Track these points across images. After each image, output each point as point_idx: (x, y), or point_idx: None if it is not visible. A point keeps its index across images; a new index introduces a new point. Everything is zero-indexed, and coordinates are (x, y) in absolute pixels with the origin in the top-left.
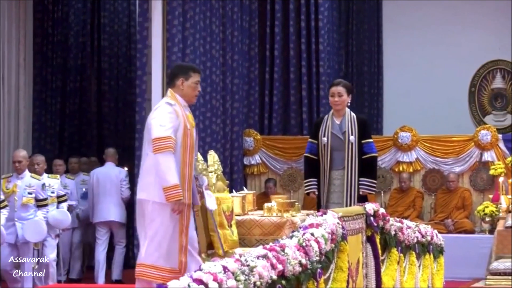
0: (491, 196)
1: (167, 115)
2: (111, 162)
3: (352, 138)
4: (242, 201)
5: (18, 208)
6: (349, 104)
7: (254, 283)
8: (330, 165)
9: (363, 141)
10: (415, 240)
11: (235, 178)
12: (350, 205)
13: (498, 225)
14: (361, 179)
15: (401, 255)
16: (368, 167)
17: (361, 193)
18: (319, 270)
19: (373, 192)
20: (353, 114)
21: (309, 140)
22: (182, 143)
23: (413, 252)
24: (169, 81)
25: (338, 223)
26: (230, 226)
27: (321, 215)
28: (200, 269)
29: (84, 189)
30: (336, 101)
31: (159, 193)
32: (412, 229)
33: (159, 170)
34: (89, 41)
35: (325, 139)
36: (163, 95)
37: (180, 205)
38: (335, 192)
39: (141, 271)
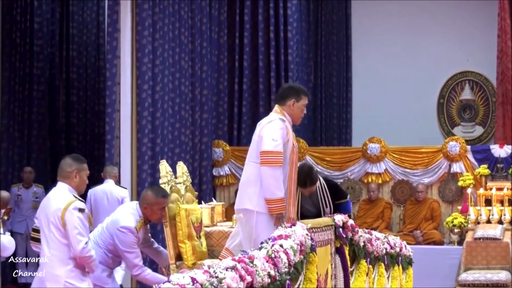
0: (459, 207)
1: (279, 131)
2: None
3: None
4: (211, 212)
5: None
6: None
7: None
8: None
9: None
10: (384, 251)
11: (204, 189)
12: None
13: (467, 237)
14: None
15: (370, 266)
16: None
17: None
18: (288, 281)
19: None
20: None
21: None
22: (290, 159)
23: (382, 264)
24: (280, 99)
25: (307, 234)
26: (199, 237)
27: (290, 227)
28: (168, 281)
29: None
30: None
31: (264, 204)
32: (381, 241)
33: (266, 182)
34: (58, 52)
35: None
36: (132, 106)
37: (281, 218)
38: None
39: None
